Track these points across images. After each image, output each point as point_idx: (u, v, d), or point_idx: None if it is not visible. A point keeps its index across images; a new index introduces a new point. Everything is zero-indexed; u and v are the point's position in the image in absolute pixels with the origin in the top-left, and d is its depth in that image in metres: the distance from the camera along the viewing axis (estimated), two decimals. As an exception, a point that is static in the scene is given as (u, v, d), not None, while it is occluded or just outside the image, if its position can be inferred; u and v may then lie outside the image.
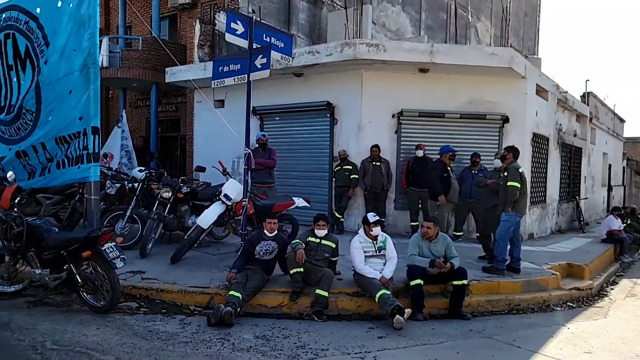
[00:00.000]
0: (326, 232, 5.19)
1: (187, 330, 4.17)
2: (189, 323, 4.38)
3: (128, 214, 6.74)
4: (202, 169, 6.94)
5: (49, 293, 4.79)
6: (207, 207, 7.06)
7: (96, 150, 5.72)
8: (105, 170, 8.06)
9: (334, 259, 5.30)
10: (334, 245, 5.23)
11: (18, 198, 4.98)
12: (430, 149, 8.30)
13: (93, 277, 4.51)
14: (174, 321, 4.43)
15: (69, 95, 5.80)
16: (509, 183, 5.90)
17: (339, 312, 4.88)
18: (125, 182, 7.31)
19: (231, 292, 4.61)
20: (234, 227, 6.47)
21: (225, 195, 6.04)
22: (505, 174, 6.08)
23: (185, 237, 6.17)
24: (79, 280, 4.52)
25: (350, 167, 8.52)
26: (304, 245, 4.99)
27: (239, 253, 5.35)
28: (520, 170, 6.01)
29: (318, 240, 5.15)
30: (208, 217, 5.87)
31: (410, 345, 4.09)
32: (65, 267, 4.61)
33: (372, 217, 5.17)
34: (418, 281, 4.84)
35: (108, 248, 4.44)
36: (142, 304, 4.85)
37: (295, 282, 4.91)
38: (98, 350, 3.59)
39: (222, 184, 7.24)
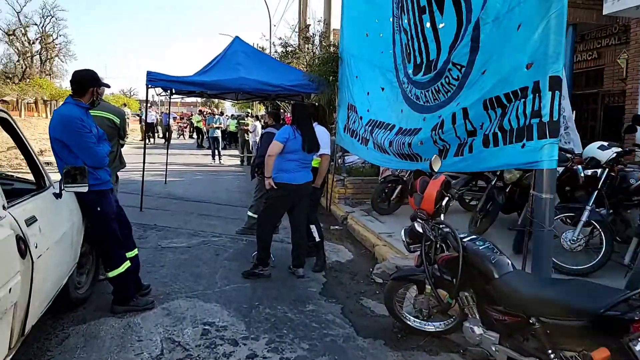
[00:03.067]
0: None
1: None
2: None
3: (584, 218, 4.13)
4: None
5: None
6: None
7: (555, 117, 3.30)
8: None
9: None
10: None
11: (447, 198, 3.11)
12: None
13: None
14: None
15: (516, 32, 3.54)
16: None
17: None
18: (578, 167, 4.64)
19: None
20: None
21: None
22: None
23: None
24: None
25: None
26: None
27: None
28: None
29: None
30: None
31: None
32: (526, 338, 2.46)
33: None
34: None
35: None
36: None
37: None
38: None
39: None
